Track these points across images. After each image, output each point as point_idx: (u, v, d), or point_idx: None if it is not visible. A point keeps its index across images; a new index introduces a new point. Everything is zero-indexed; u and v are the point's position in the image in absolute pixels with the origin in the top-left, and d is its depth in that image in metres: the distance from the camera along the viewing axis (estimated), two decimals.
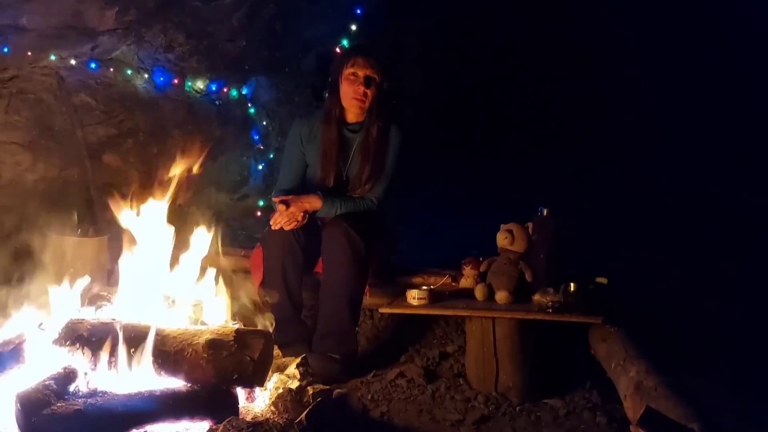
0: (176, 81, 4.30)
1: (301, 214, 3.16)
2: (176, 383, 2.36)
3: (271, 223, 3.18)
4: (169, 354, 2.36)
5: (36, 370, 2.40)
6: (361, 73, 3.26)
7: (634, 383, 2.38)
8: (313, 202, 3.20)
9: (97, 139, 4.11)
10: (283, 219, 3.14)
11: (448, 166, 5.22)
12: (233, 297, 2.78)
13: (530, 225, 3.20)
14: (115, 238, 3.14)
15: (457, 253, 3.35)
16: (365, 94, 3.26)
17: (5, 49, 3.60)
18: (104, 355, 2.37)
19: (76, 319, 2.51)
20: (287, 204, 3.17)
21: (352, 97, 3.27)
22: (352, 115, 3.36)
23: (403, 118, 3.42)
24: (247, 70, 4.59)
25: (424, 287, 3.28)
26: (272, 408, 2.46)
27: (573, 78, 5.59)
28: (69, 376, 2.29)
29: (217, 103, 4.57)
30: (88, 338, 2.41)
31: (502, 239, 3.19)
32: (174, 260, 2.77)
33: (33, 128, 3.91)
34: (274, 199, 3.24)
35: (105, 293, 2.77)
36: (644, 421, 2.03)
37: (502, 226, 3.23)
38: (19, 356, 2.51)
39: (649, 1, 5.46)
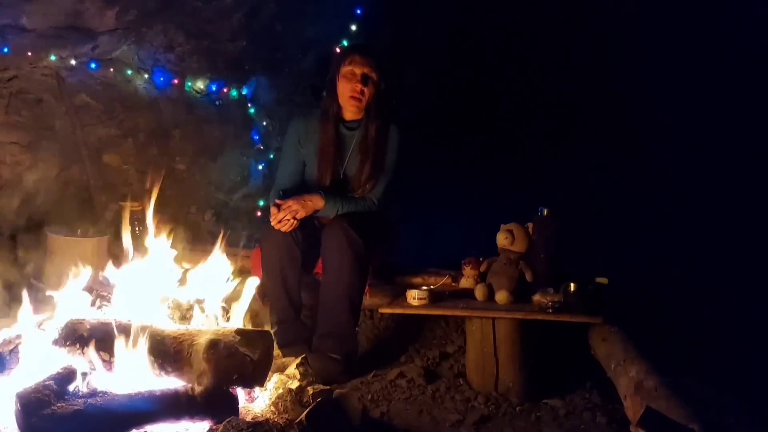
0: (176, 81, 4.30)
1: (302, 210, 3.12)
2: (176, 383, 2.36)
3: (270, 220, 3.14)
4: (169, 354, 2.36)
5: (36, 370, 2.39)
6: (358, 71, 3.24)
7: (634, 383, 2.38)
8: (316, 201, 3.18)
9: (97, 139, 4.11)
10: (282, 215, 3.09)
11: (448, 166, 5.22)
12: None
13: (530, 225, 3.20)
14: (114, 238, 3.15)
15: (457, 253, 3.35)
16: (362, 92, 3.24)
17: (5, 49, 3.60)
18: (104, 354, 2.37)
19: (76, 319, 2.51)
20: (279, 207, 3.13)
21: (349, 95, 3.26)
22: (349, 113, 3.34)
23: (402, 117, 3.41)
24: (247, 70, 4.59)
25: (424, 287, 3.28)
26: (272, 408, 2.46)
27: (573, 77, 5.58)
28: (69, 376, 2.29)
29: (217, 103, 4.57)
30: (88, 338, 2.41)
31: (502, 239, 3.19)
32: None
33: (33, 128, 3.91)
34: (274, 202, 3.18)
35: (105, 293, 2.77)
36: (644, 421, 2.03)
37: (502, 226, 3.23)
38: (18, 356, 2.51)
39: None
